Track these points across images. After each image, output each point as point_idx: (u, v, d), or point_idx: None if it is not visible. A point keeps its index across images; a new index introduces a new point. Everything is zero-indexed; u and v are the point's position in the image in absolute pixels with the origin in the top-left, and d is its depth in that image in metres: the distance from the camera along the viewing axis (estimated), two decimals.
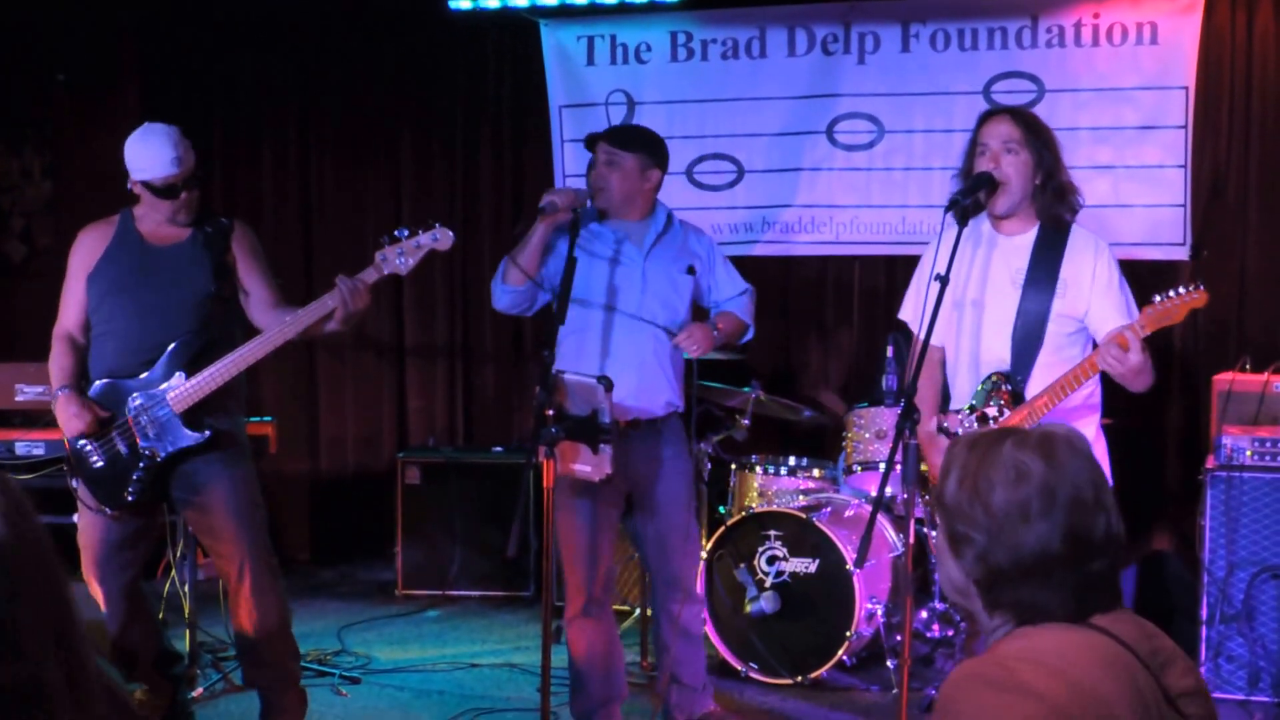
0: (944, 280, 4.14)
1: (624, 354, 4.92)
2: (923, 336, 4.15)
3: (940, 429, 4.37)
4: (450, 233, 4.76)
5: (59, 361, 4.83)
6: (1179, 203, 6.82)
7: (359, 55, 8.24)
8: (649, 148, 5.09)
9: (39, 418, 6.17)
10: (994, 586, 2.16)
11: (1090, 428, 4.30)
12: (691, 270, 5.10)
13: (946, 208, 4.23)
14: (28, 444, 6.00)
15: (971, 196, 4.25)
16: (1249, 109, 6.96)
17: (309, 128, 8.36)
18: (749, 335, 5.31)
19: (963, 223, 4.20)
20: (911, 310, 4.62)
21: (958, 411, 4.36)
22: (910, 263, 7.11)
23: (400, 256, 4.73)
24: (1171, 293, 3.91)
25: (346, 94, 8.30)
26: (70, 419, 4.71)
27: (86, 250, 4.86)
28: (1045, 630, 2.12)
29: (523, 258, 4.90)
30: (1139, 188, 6.86)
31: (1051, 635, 2.11)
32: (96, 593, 4.90)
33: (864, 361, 7.55)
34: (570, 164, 7.68)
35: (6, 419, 6.25)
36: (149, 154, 4.77)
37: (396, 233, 4.76)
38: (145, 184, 4.78)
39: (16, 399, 6.29)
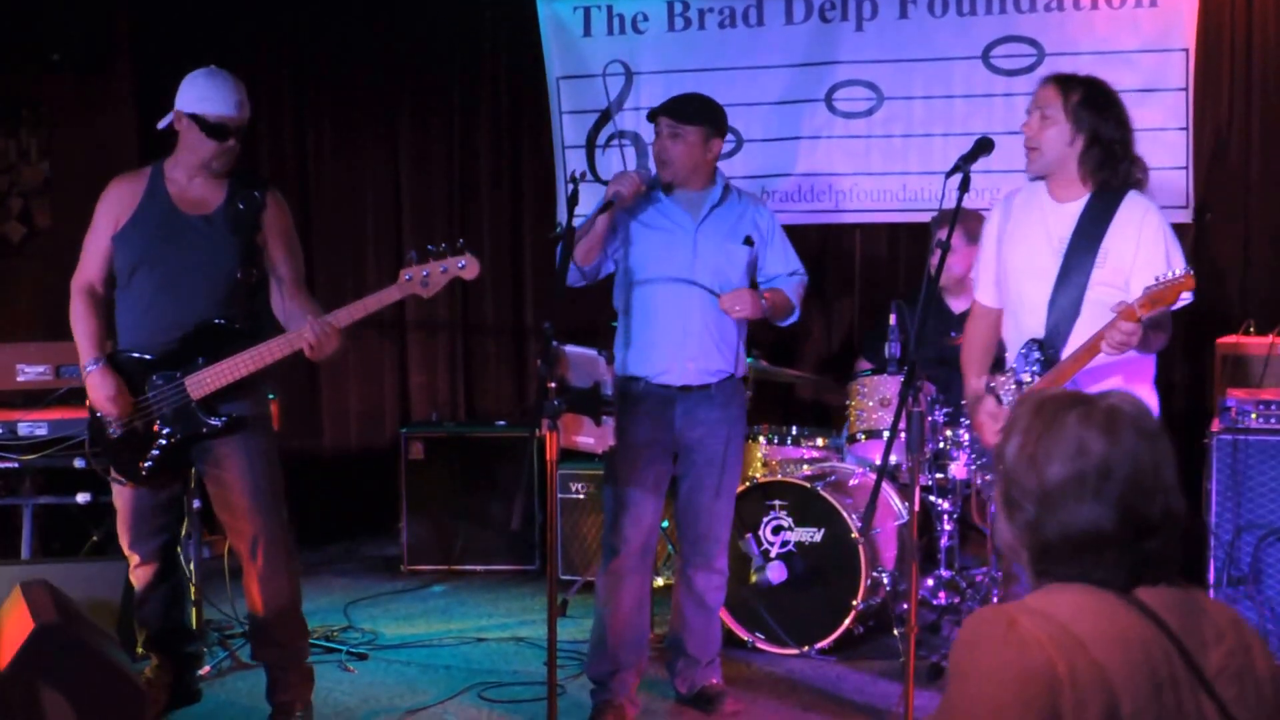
0: (945, 248, 4.14)
1: (676, 323, 4.99)
2: (976, 299, 4.14)
3: (988, 389, 4.40)
4: (477, 261, 4.72)
5: (84, 324, 4.82)
6: (1181, 165, 6.78)
7: (354, 27, 8.20)
8: (710, 118, 5.10)
9: (41, 398, 6.16)
10: (1043, 558, 2.14)
11: (1144, 389, 4.32)
12: (749, 241, 5.12)
13: (948, 174, 4.24)
14: (30, 424, 5.98)
15: (972, 162, 4.27)
16: (1250, 70, 6.92)
17: (305, 102, 8.33)
18: (794, 317, 5.31)
19: (964, 189, 4.23)
20: (974, 272, 4.70)
21: (1004, 374, 4.40)
22: (912, 230, 7.18)
23: (425, 279, 4.68)
24: (1165, 275, 3.89)
25: (342, 66, 8.26)
26: (104, 401, 4.71)
27: (115, 205, 4.81)
28: (1070, 590, 2.11)
29: (587, 245, 4.94)
30: (1141, 151, 6.79)
31: (1073, 595, 2.10)
32: (131, 557, 4.98)
33: (866, 330, 7.53)
34: (569, 135, 7.66)
35: (8, 399, 6.23)
36: (214, 88, 4.72)
37: (429, 248, 4.70)
38: (196, 117, 4.70)
39: (18, 379, 6.26)
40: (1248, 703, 2.11)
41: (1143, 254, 4.15)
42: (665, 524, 6.09)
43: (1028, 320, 4.32)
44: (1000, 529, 2.22)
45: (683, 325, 4.99)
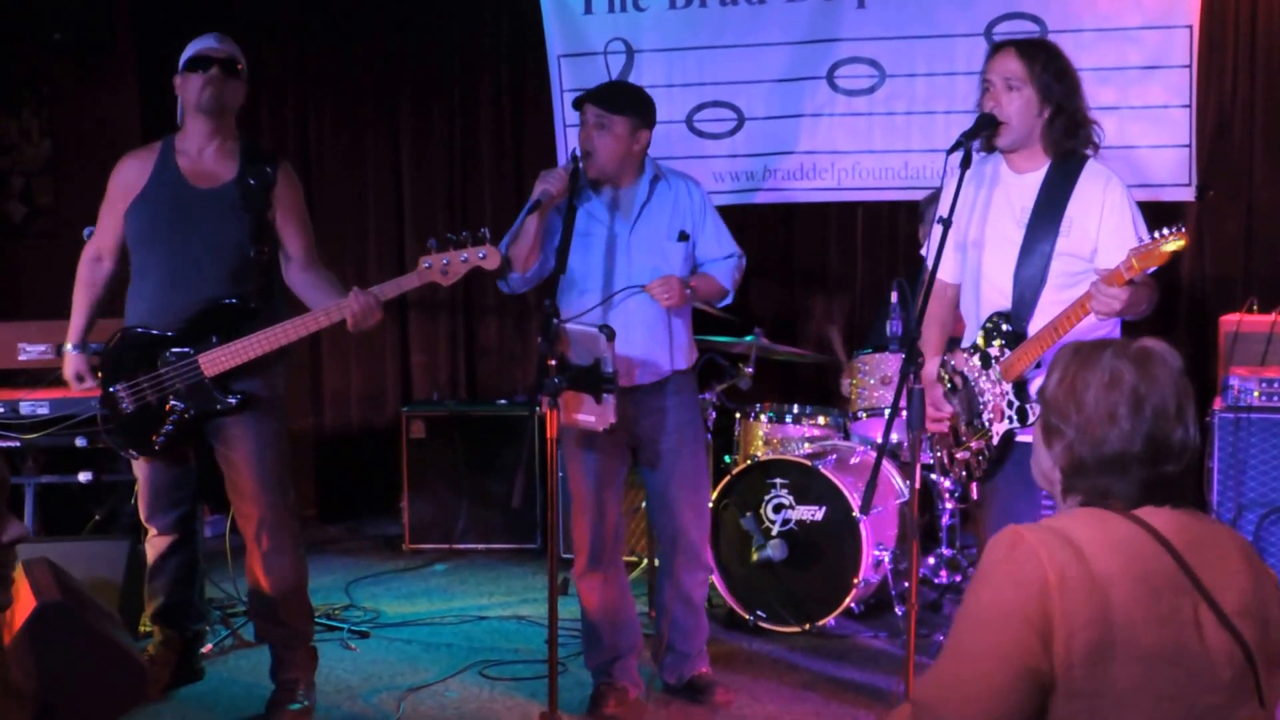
0: (947, 224, 4.11)
1: (618, 326, 4.78)
2: (926, 281, 4.12)
3: (939, 376, 4.35)
4: (499, 252, 4.68)
5: (78, 301, 4.99)
6: (1184, 143, 6.76)
7: (356, 6, 8.19)
8: (639, 108, 4.92)
9: (43, 377, 6.16)
10: (1075, 474, 2.41)
11: None
12: (684, 236, 4.98)
13: (949, 150, 4.19)
14: (32, 403, 5.98)
15: (974, 138, 4.20)
16: (1254, 47, 6.90)
17: (306, 81, 8.33)
18: (727, 300, 5.17)
19: (965, 165, 4.16)
20: (926, 249, 4.61)
21: (964, 350, 4.35)
22: (914, 208, 7.14)
23: (445, 267, 4.65)
24: (1155, 234, 3.85)
25: (343, 45, 8.26)
26: (70, 376, 4.95)
27: (126, 179, 4.86)
28: (1082, 511, 2.38)
29: (522, 250, 4.82)
30: (1143, 128, 6.80)
31: (1081, 513, 2.37)
32: (148, 528, 5.08)
33: (868, 308, 7.53)
34: (570, 114, 7.63)
35: (10, 378, 6.24)
36: (195, 40, 4.82)
37: (449, 236, 4.68)
38: (182, 67, 4.78)
39: (20, 358, 6.27)
40: (1269, 642, 2.32)
41: (1107, 222, 4.11)
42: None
43: (990, 293, 4.27)
44: (1038, 458, 2.52)
45: (624, 332, 4.78)
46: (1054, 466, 2.45)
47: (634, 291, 4.85)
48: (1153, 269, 3.84)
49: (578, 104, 4.92)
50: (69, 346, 4.98)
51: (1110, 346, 2.43)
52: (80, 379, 4.96)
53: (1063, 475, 2.44)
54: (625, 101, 4.90)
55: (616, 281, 4.88)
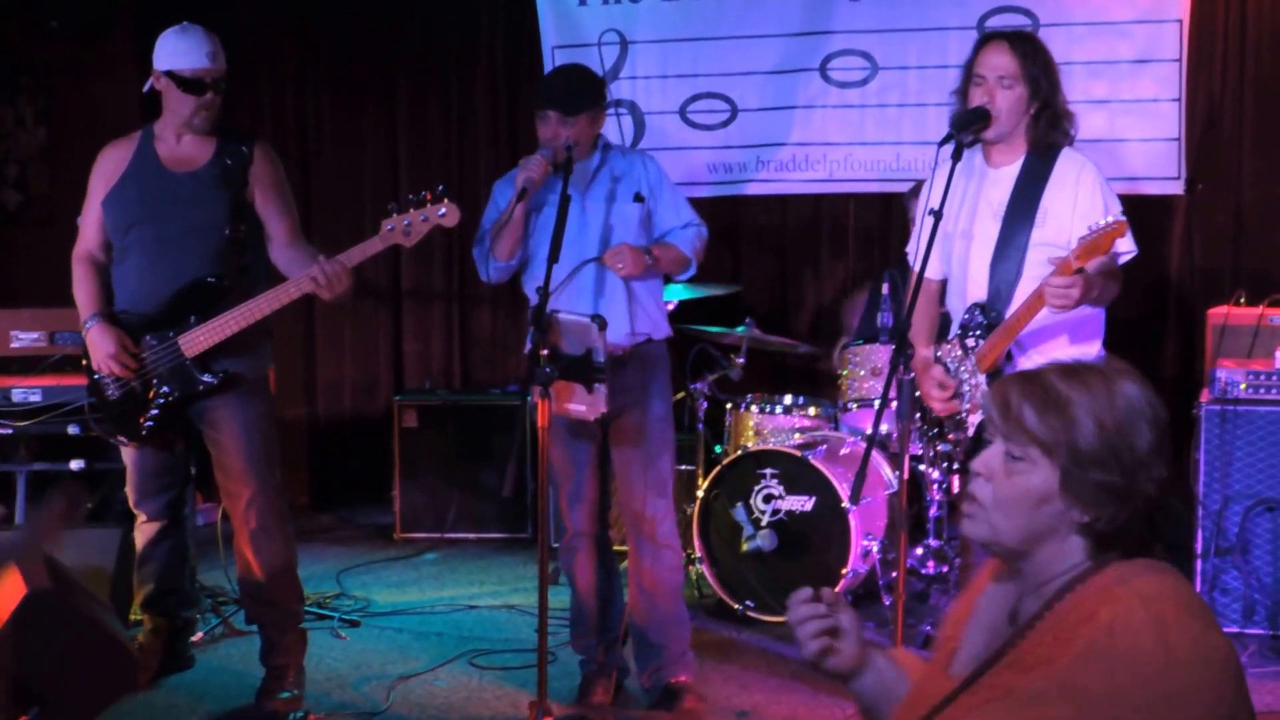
0: (937, 215, 4.13)
1: (573, 293, 4.78)
2: (917, 271, 4.15)
3: (936, 358, 4.38)
4: (457, 208, 4.67)
5: (83, 287, 4.86)
6: (1173, 136, 6.78)
7: None
8: (593, 97, 4.94)
9: (35, 364, 6.17)
10: (1128, 523, 2.09)
11: (1093, 348, 4.30)
12: (639, 198, 4.95)
13: (940, 142, 4.21)
14: (24, 390, 6.00)
15: (966, 131, 4.23)
16: (1243, 41, 6.92)
17: (305, 71, 8.34)
18: (691, 270, 5.10)
19: (956, 157, 4.18)
20: (911, 245, 4.64)
21: (948, 343, 4.37)
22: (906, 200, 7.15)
23: (406, 228, 4.65)
24: (1097, 222, 3.89)
25: (342, 36, 8.27)
26: (104, 359, 4.71)
27: (105, 170, 4.87)
28: (1143, 570, 2.09)
29: (507, 236, 4.83)
30: (1133, 122, 6.83)
31: (1159, 578, 2.08)
32: (137, 515, 5.09)
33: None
34: None
35: (3, 365, 6.24)
36: (184, 44, 4.76)
37: (410, 197, 4.67)
38: (171, 74, 4.74)
39: (12, 345, 6.28)
40: None
41: (1080, 209, 4.14)
42: None
43: (971, 288, 4.31)
44: (1045, 514, 2.12)
45: (579, 302, 4.78)
46: (1065, 528, 2.12)
47: (588, 263, 4.82)
48: (1098, 259, 3.89)
49: (537, 107, 4.89)
50: (89, 320, 4.76)
51: (1124, 375, 2.12)
52: (115, 359, 4.68)
53: (1092, 533, 2.10)
54: (581, 99, 4.88)
55: (574, 245, 4.82)
